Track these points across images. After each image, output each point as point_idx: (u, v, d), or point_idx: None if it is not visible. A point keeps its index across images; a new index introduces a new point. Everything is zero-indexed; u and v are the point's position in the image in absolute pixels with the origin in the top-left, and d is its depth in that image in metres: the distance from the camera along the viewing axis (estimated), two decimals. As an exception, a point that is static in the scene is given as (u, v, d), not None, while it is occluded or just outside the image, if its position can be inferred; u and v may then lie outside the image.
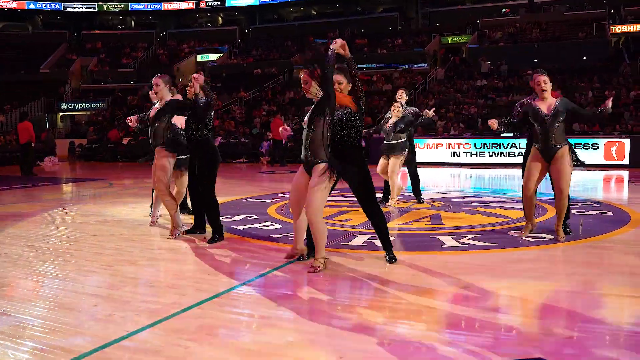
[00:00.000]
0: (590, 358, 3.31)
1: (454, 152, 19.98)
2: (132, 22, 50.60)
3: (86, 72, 40.15)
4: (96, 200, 11.45)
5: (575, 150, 6.51)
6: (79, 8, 46.98)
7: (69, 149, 28.63)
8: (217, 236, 6.73)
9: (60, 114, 36.95)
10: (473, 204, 9.83)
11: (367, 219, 5.77)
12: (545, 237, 6.65)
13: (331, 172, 5.13)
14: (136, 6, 47.87)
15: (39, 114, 34.72)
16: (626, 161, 17.57)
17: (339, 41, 5.33)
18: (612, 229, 7.19)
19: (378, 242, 5.81)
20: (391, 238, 5.71)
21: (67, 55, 41.59)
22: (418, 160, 10.20)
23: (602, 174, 15.54)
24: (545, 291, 4.62)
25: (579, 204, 9.15)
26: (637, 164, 17.28)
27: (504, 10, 38.40)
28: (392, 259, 5.57)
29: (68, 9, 46.61)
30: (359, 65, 5.58)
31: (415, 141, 9.73)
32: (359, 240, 6.64)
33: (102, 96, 36.10)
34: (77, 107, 36.32)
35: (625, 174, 15.62)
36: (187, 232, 7.19)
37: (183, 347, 3.54)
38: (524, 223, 7.27)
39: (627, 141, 17.79)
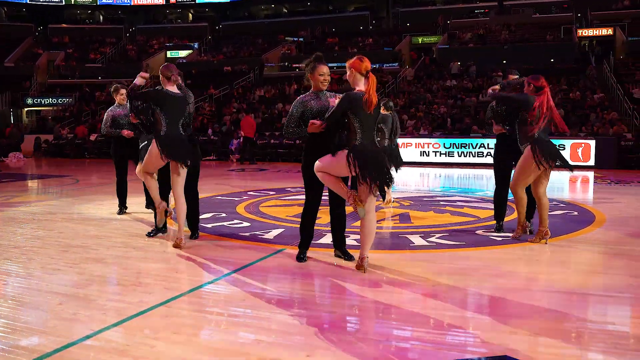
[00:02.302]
0: (555, 356, 3.35)
1: (424, 152, 20.12)
2: (101, 17, 49.86)
3: (53, 66, 39.41)
4: (62, 197, 11.26)
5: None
6: (45, 1, 46.11)
7: (34, 145, 28.11)
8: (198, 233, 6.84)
9: (26, 109, 36.22)
10: (442, 203, 9.90)
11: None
12: (511, 236, 6.73)
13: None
14: (105, 0, 47.19)
15: (3, 108, 34.00)
16: (591, 162, 17.90)
17: None
18: (578, 229, 7.31)
19: (348, 241, 5.82)
20: (359, 237, 5.71)
21: (33, 49, 40.77)
22: (387, 159, 10.18)
23: (568, 174, 15.77)
24: (511, 290, 4.66)
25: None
26: (602, 165, 17.62)
27: (478, 10, 38.69)
28: (350, 257, 5.62)
29: (34, 2, 45.71)
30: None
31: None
32: (328, 238, 6.62)
33: (69, 91, 35.46)
34: (43, 102, 35.64)
35: (590, 174, 15.90)
36: (148, 234, 6.93)
37: (149, 346, 3.50)
38: (492, 222, 7.36)
39: (592, 142, 18.12)
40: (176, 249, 6.18)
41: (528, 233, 6.77)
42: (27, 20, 45.02)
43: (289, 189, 11.80)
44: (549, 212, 6.71)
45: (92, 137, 25.79)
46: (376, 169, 5.01)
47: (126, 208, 8.71)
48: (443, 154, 19.97)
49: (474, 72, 28.55)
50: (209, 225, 7.58)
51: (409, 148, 20.14)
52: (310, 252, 5.80)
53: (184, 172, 6.20)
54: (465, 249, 6.20)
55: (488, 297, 4.53)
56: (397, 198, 10.01)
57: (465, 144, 19.74)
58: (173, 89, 6.20)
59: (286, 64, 35.93)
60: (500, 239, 6.70)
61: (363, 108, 5.00)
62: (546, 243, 6.36)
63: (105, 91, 33.00)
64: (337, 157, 5.09)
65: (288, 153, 22.01)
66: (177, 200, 6.23)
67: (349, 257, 5.62)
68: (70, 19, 47.95)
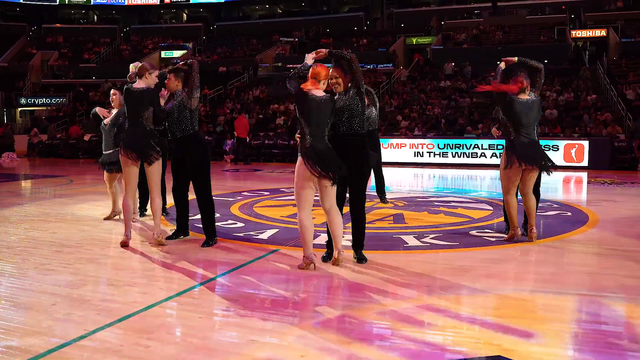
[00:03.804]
0: (549, 356, 3.36)
1: (418, 152, 20.12)
2: (95, 17, 49.76)
3: (47, 66, 39.29)
4: (56, 197, 11.23)
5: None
6: (39, 0, 45.96)
7: (28, 145, 27.98)
8: (212, 240, 6.42)
9: (20, 109, 36.11)
10: (436, 203, 9.92)
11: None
12: (506, 237, 6.74)
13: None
14: (99, 0, 47.07)
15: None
16: (585, 163, 17.94)
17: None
18: (571, 229, 7.33)
19: (343, 242, 5.80)
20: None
21: (26, 48, 40.67)
22: (382, 160, 10.11)
23: (561, 175, 15.83)
24: (505, 290, 4.68)
25: (539, 205, 9.29)
26: (595, 166, 17.67)
27: (474, 11, 38.73)
28: (362, 260, 5.58)
29: (28, 1, 45.55)
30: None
31: (379, 141, 9.72)
32: (322, 239, 6.62)
33: (63, 91, 35.35)
34: (37, 102, 35.54)
35: (584, 175, 15.95)
36: (169, 237, 6.65)
37: (143, 347, 3.49)
38: (485, 222, 7.38)
39: (586, 143, 18.16)
40: (172, 249, 6.17)
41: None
42: (21, 19, 44.87)
43: (283, 189, 11.79)
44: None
45: (86, 137, 25.68)
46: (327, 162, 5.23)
47: (146, 210, 8.47)
48: (437, 154, 19.98)
49: (468, 73, 28.59)
50: (203, 226, 7.56)
51: (403, 149, 20.14)
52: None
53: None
54: (459, 250, 6.22)
55: (482, 297, 4.54)
56: (391, 198, 10.02)
57: (460, 144, 19.76)
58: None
59: (280, 64, 35.90)
60: (494, 239, 6.71)
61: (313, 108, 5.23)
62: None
63: (99, 91, 32.94)
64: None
65: (282, 153, 21.98)
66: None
67: (361, 259, 5.60)
68: (64, 18, 47.84)
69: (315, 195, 5.44)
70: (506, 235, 6.70)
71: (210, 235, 6.45)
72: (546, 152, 6.37)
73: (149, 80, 6.27)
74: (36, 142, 26.58)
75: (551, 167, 6.36)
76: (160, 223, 6.44)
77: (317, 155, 5.15)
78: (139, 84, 6.25)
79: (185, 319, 4.01)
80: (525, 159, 6.22)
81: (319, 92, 5.26)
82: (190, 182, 6.60)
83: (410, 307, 4.28)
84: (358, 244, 5.67)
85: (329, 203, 5.36)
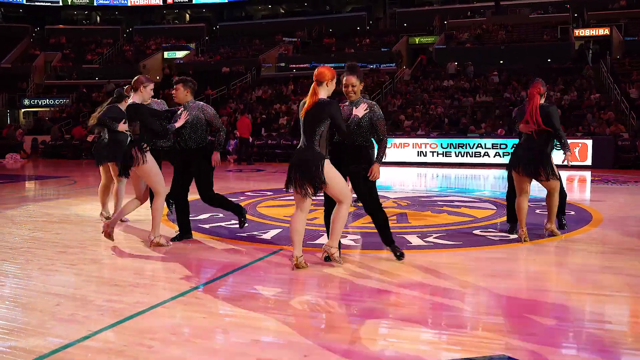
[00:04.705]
0: (553, 355, 3.36)
1: (421, 152, 20.13)
2: (98, 18, 49.82)
3: (50, 67, 39.35)
4: (59, 198, 11.24)
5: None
6: (42, 2, 46.05)
7: (31, 146, 28.06)
8: (244, 220, 6.86)
9: (23, 110, 36.19)
10: (439, 203, 9.91)
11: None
12: (509, 237, 6.74)
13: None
14: (102, 1, 47.15)
15: (0, 109, 33.95)
16: (589, 162, 17.93)
17: None
18: (575, 229, 7.32)
19: (345, 241, 5.81)
20: (356, 237, 5.71)
21: (30, 49, 40.74)
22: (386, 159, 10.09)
23: (565, 174, 15.81)
24: (509, 289, 4.67)
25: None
26: (599, 165, 17.65)
27: (476, 10, 38.65)
28: (399, 256, 5.60)
29: (31, 2, 45.64)
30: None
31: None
32: (325, 239, 6.62)
33: (66, 92, 35.42)
34: (40, 103, 35.63)
35: (587, 174, 15.92)
36: (173, 239, 6.61)
37: (147, 347, 3.50)
38: (489, 222, 7.37)
39: (589, 142, 18.14)
40: (175, 249, 6.18)
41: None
42: (24, 21, 44.96)
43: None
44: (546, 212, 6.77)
45: (90, 138, 25.69)
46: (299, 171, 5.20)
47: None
48: (440, 154, 19.99)
49: (471, 73, 28.57)
50: (207, 226, 7.58)
51: (406, 148, 20.14)
52: (307, 253, 5.81)
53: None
54: (463, 249, 6.21)
55: (486, 297, 4.54)
56: (394, 198, 10.02)
57: (463, 144, 19.75)
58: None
59: (283, 64, 35.91)
60: (497, 238, 6.71)
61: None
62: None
63: (102, 92, 32.99)
64: None
65: (285, 153, 22.00)
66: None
67: (398, 255, 5.60)
68: (67, 19, 47.92)
69: (320, 195, 5.45)
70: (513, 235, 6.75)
71: (243, 215, 6.84)
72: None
73: (143, 94, 6.25)
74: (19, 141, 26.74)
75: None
76: (158, 225, 6.39)
77: (294, 165, 5.22)
78: (133, 98, 6.23)
79: (188, 319, 4.01)
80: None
81: (320, 96, 5.21)
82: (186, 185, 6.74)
83: (413, 306, 4.28)
84: (388, 240, 5.65)
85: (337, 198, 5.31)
